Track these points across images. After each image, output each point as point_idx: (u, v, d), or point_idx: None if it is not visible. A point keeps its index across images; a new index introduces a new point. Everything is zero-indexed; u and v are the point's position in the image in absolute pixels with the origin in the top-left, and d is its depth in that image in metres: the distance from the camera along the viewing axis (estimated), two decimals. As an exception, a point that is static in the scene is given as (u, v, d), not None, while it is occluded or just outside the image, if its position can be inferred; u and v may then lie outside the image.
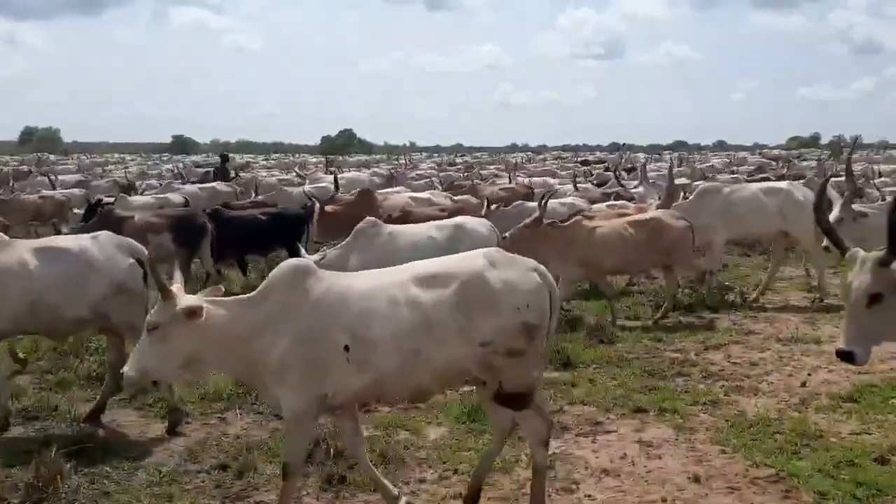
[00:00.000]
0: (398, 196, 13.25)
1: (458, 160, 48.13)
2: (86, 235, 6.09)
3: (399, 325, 3.88)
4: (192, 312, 3.89)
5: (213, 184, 18.49)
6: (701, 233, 10.01)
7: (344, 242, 8.02)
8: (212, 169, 22.60)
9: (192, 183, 19.69)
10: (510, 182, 18.30)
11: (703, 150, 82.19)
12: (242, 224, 10.82)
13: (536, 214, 8.76)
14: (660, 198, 11.07)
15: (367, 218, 8.15)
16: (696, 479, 4.72)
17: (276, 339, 3.88)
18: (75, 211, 14.20)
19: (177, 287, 4.10)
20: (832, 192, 8.34)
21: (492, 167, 32.99)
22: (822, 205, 4.49)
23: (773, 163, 32.66)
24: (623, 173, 21.59)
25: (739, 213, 10.14)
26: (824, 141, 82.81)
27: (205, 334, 3.94)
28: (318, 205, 11.11)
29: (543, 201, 9.23)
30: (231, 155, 57.59)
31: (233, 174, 19.65)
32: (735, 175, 21.96)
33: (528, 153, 68.19)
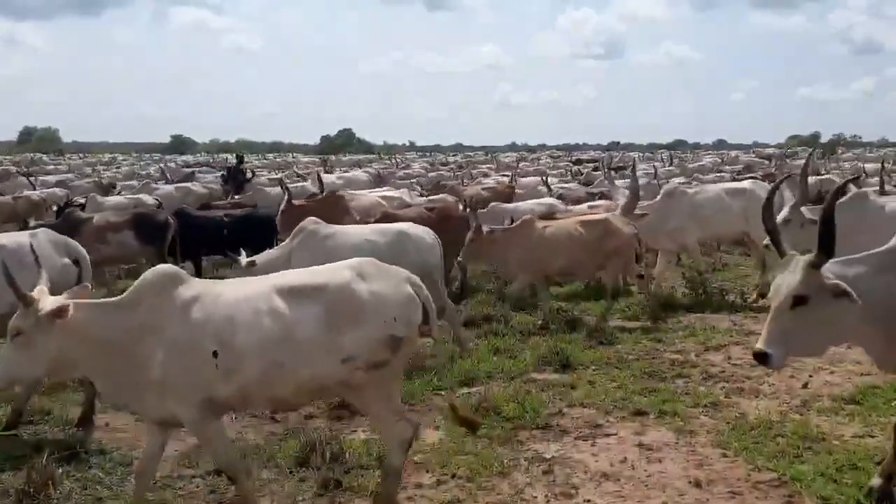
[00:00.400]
0: (367, 197, 13.08)
1: (451, 159, 48.15)
2: (25, 233, 6.03)
3: (264, 335, 3.84)
4: (58, 312, 3.82)
5: (189, 184, 18.45)
6: (672, 236, 9.90)
7: (284, 242, 7.89)
8: (225, 170, 22.20)
9: (174, 183, 19.71)
10: (511, 181, 18.22)
11: (703, 148, 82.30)
12: (207, 225, 10.74)
13: (474, 225, 8.65)
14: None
15: (309, 217, 7.96)
16: (697, 484, 4.65)
17: (153, 350, 3.83)
18: (54, 209, 14.20)
19: (38, 290, 4.03)
20: (786, 194, 8.29)
21: (483, 167, 32.92)
22: (770, 205, 4.43)
23: (766, 161, 32.53)
24: (613, 172, 21.60)
25: (705, 214, 10.01)
26: (824, 139, 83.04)
27: (71, 336, 3.88)
28: (287, 197, 10.99)
29: (472, 211, 9.11)
30: (223, 156, 57.52)
31: (249, 175, 19.38)
32: (720, 174, 21.92)
33: (521, 152, 67.98)
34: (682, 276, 10.39)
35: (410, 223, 8.28)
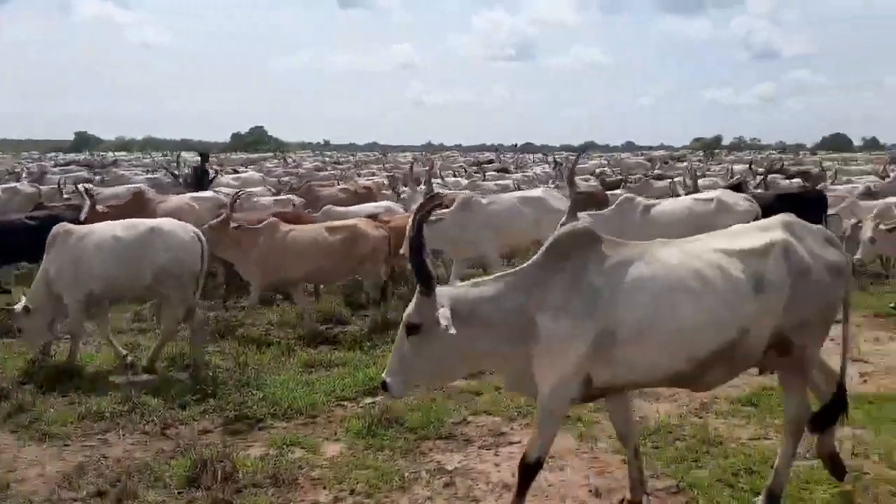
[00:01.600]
0: (178, 198, 12.50)
1: (343, 158, 48.12)
2: None
3: None
4: None
5: (15, 184, 17.71)
6: (472, 246, 9.81)
7: None
8: (191, 168, 20.69)
9: (21, 182, 18.95)
10: (429, 185, 17.97)
11: (612, 150, 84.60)
12: (5, 231, 10.00)
13: (223, 215, 8.40)
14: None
15: (60, 223, 7.51)
16: (597, 494, 4.63)
17: None
18: None
19: None
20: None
21: (374, 166, 33.03)
22: (413, 233, 4.00)
23: (647, 164, 33.37)
24: (495, 173, 22.12)
25: (500, 223, 9.87)
26: (726, 142, 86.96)
27: None
28: (88, 203, 10.46)
29: (231, 202, 8.91)
30: (112, 154, 55.38)
31: (212, 174, 17.72)
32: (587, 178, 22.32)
33: (417, 153, 67.73)
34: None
35: (169, 219, 7.78)
